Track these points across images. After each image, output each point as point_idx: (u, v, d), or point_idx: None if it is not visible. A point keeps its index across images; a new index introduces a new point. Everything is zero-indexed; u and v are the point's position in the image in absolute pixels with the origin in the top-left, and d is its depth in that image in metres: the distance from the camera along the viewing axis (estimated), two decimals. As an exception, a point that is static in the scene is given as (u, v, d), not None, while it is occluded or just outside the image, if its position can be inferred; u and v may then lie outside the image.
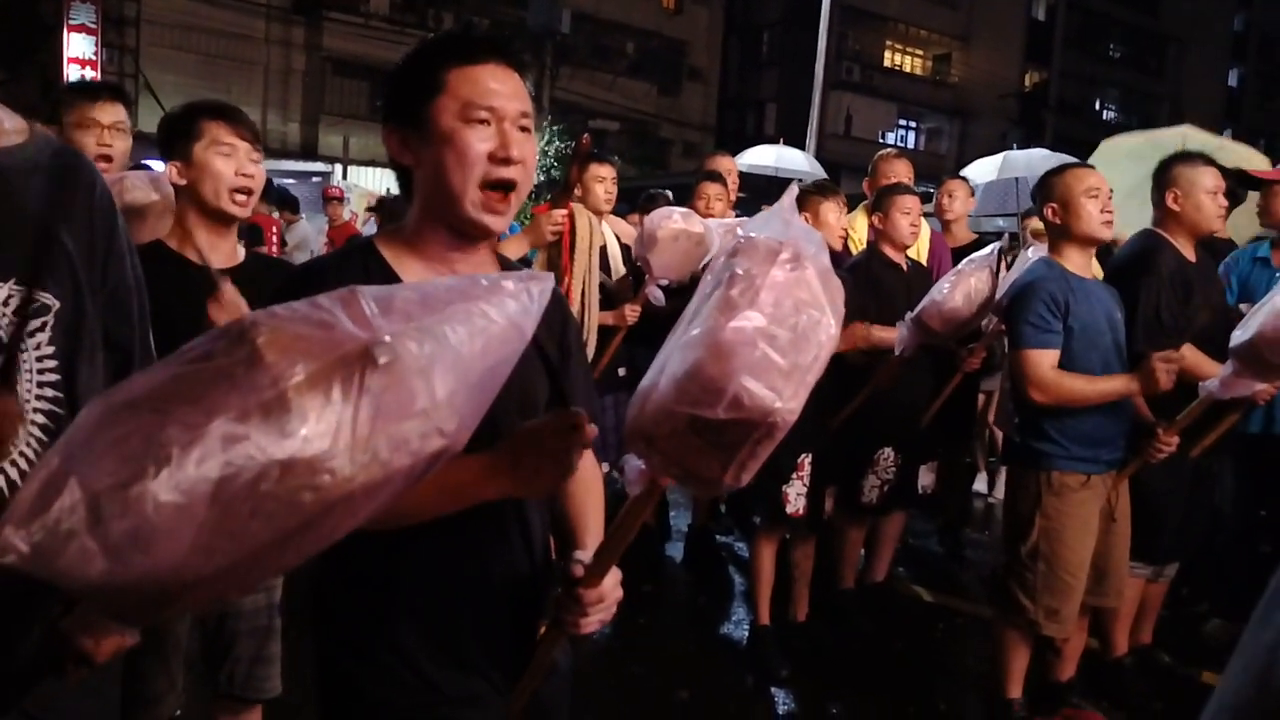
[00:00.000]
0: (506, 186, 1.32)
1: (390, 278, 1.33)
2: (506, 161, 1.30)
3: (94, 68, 13.94)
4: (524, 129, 1.34)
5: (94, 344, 1.05)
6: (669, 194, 5.22)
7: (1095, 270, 3.16)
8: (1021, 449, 2.91)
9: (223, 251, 2.15)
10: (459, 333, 0.77)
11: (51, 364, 0.99)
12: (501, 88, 1.32)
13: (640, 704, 3.32)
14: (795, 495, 3.44)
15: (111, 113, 2.65)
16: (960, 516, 5.28)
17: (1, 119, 1.00)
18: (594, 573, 1.28)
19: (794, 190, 1.19)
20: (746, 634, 3.75)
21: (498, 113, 1.31)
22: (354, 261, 1.35)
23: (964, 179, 5.26)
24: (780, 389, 1.05)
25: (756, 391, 1.03)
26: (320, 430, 0.70)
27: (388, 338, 0.73)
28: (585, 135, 3.64)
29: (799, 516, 3.49)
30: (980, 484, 6.16)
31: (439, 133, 1.30)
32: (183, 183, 2.09)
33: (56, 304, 0.99)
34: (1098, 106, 33.80)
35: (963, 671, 3.73)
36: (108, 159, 2.64)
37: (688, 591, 4.55)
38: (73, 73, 13.58)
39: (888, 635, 3.92)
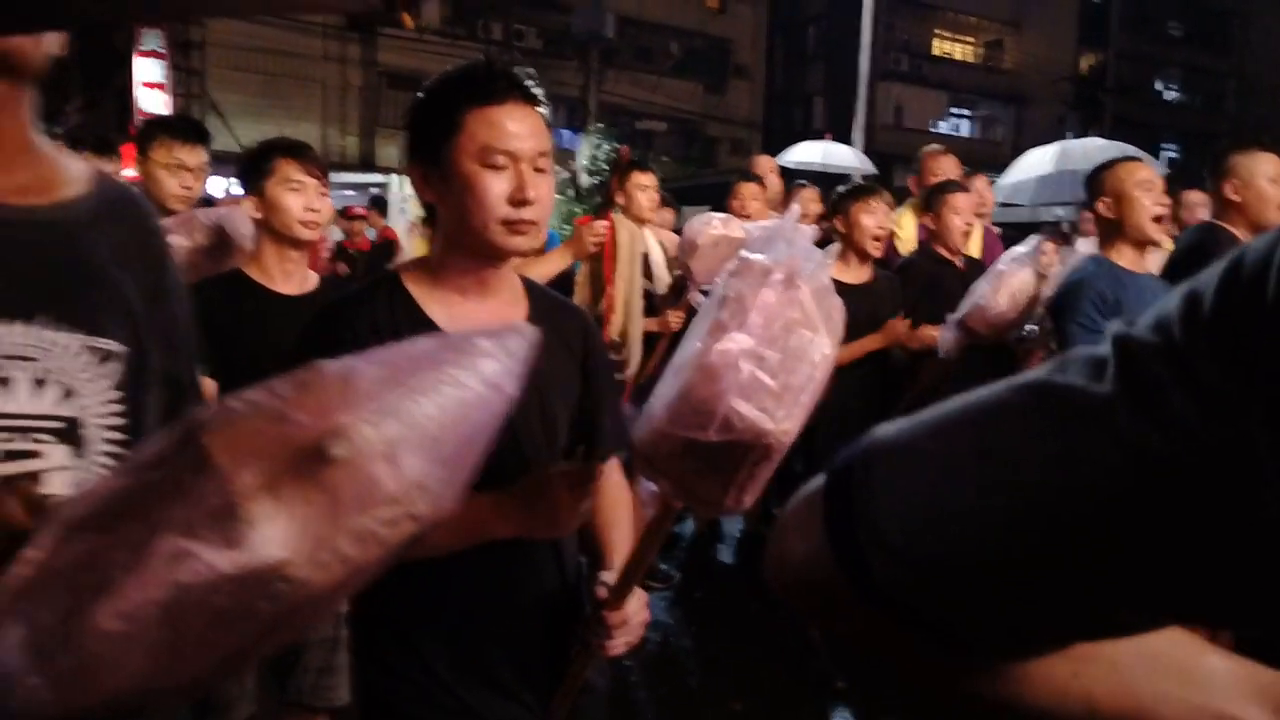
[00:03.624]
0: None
1: (414, 310, 1.37)
2: (523, 203, 1.32)
3: (164, 90, 14.61)
4: (540, 169, 1.35)
5: (155, 383, 1.07)
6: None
7: (1150, 265, 3.06)
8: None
9: (296, 278, 2.30)
10: (426, 407, 0.71)
11: (118, 408, 1.00)
12: (519, 128, 1.32)
13: (692, 715, 3.31)
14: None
15: (196, 155, 2.81)
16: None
17: (66, 167, 0.98)
18: (617, 595, 1.29)
19: (795, 209, 1.16)
20: (801, 641, 3.72)
21: (515, 155, 1.32)
22: (380, 295, 1.38)
23: (986, 175, 5.19)
24: (772, 410, 1.03)
25: (747, 413, 1.02)
26: (272, 536, 0.65)
27: (343, 427, 0.67)
28: (624, 146, 3.64)
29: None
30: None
31: (457, 174, 1.32)
32: (259, 216, 2.26)
33: (123, 349, 0.99)
34: (1158, 87, 32.79)
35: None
36: (186, 200, 2.78)
37: (740, 598, 4.52)
38: (144, 96, 14.25)
39: (945, 641, 3.84)
